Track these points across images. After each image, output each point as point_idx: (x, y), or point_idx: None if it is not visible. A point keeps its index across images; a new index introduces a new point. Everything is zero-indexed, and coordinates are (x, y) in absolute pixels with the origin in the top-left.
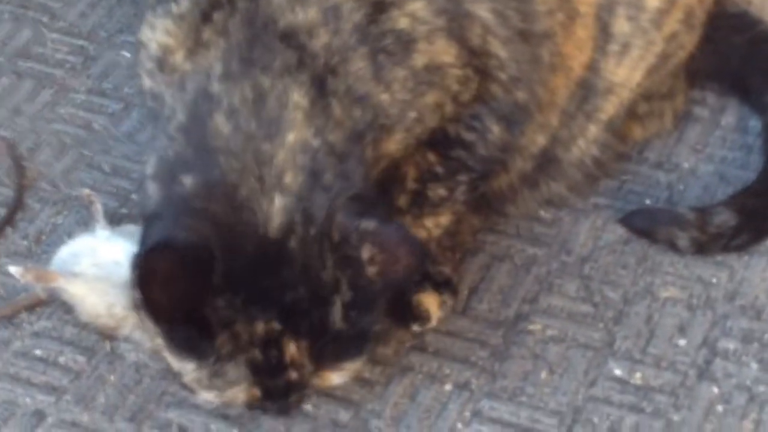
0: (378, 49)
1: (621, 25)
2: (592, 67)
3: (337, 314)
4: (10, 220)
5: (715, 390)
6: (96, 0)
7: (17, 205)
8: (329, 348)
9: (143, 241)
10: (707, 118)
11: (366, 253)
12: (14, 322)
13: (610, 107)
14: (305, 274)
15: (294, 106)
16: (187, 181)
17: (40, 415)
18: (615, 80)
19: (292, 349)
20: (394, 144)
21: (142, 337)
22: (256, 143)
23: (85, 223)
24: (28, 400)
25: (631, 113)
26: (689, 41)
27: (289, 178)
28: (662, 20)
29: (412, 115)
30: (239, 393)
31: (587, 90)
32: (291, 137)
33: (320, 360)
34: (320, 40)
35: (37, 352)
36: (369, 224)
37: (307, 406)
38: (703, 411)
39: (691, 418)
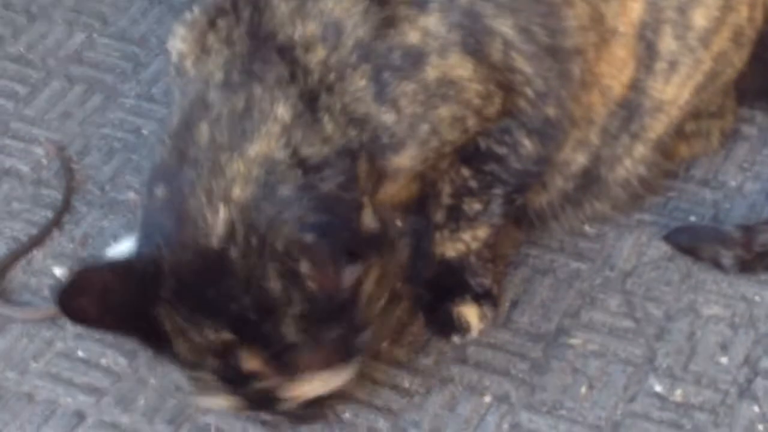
0: (382, 66)
1: (668, 44)
2: (636, 87)
3: (289, 326)
4: (57, 222)
5: (756, 409)
6: (148, 7)
7: (64, 208)
8: (295, 357)
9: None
10: (756, 136)
11: (304, 267)
12: (58, 323)
13: (659, 126)
14: (248, 285)
15: (275, 118)
16: (160, 191)
17: (80, 416)
18: (663, 98)
19: (248, 358)
20: (407, 159)
21: None
22: (217, 154)
23: (131, 227)
24: (69, 400)
25: (678, 132)
26: (738, 59)
27: (237, 191)
28: (710, 39)
29: (425, 127)
30: (222, 401)
31: (632, 110)
32: (254, 149)
33: (288, 369)
34: (316, 56)
35: (80, 353)
36: (308, 237)
37: (345, 414)
38: (743, 430)
39: None
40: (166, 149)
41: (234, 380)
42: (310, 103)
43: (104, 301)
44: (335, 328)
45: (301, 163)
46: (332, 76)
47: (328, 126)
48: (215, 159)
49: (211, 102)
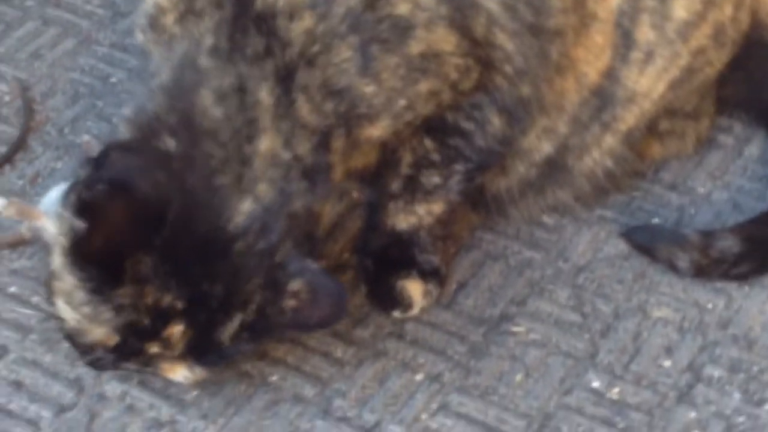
0: (370, 38)
1: (645, 33)
2: (611, 75)
3: (230, 329)
4: (9, 158)
5: (693, 415)
6: None
7: (19, 145)
8: (200, 349)
9: (101, 161)
10: (731, 146)
11: (294, 285)
12: None
13: (630, 117)
14: (231, 277)
15: (262, 106)
16: (171, 144)
17: (2, 350)
18: (637, 89)
19: (176, 330)
20: (377, 130)
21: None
22: (239, 141)
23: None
24: None
25: (651, 129)
26: (717, 59)
27: (262, 188)
28: (689, 33)
29: (402, 102)
30: (97, 331)
31: (604, 99)
32: (263, 145)
33: (187, 352)
34: (302, 24)
35: (12, 289)
36: (313, 265)
37: (273, 377)
38: None
39: None
40: (159, 102)
41: (141, 335)
42: (284, 82)
43: (107, 235)
44: (251, 344)
45: (302, 168)
46: (317, 48)
47: (304, 108)
48: (239, 145)
49: (205, 68)
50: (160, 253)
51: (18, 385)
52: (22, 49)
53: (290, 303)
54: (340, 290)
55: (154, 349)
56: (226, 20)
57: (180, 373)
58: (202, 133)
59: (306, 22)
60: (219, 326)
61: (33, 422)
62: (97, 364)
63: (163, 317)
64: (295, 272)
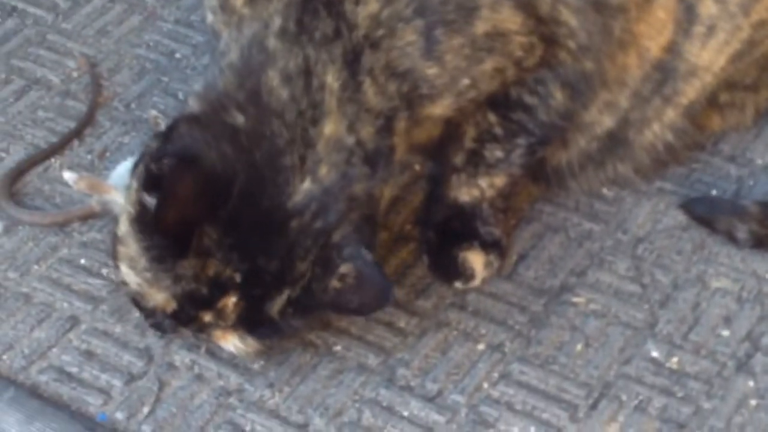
0: (436, 21)
1: (708, 7)
2: (673, 50)
3: (278, 303)
4: (78, 133)
5: (751, 384)
6: None
7: (88, 120)
8: (251, 321)
9: (170, 134)
10: None
11: (343, 269)
12: (65, 230)
13: (690, 91)
14: (286, 254)
15: (329, 89)
16: (239, 118)
17: (74, 321)
18: (698, 63)
19: (230, 301)
20: (439, 109)
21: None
22: (305, 123)
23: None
24: (65, 305)
25: (711, 101)
26: None
27: (323, 171)
28: (750, 6)
29: (465, 81)
30: (157, 296)
31: (666, 73)
32: (328, 128)
33: (239, 323)
34: (368, 9)
35: (82, 261)
36: (367, 254)
37: (337, 347)
38: (735, 402)
39: (721, 407)
40: (229, 80)
41: (198, 303)
42: (352, 64)
43: (174, 207)
44: (300, 320)
45: (365, 153)
46: (381, 32)
47: (370, 91)
48: (304, 127)
49: (272, 50)
50: (225, 226)
51: (89, 354)
52: (89, 26)
53: (335, 284)
54: (385, 286)
55: (207, 318)
56: (296, 3)
57: (231, 342)
58: (269, 112)
59: (371, 6)
60: (269, 300)
61: (104, 391)
62: (159, 327)
63: (220, 288)
64: (348, 257)
